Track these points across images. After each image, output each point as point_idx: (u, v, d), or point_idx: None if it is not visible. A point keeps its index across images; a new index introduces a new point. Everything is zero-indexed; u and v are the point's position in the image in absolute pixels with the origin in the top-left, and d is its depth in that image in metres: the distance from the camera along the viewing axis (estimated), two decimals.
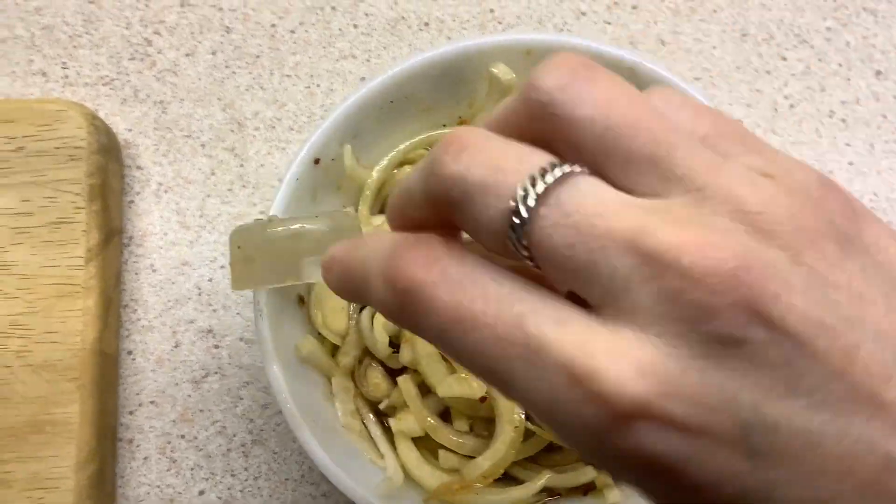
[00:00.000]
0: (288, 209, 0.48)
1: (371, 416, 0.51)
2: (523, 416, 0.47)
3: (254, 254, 0.41)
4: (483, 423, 0.50)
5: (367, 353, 0.51)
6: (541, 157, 0.25)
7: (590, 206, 0.24)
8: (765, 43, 0.64)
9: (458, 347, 0.25)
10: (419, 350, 0.48)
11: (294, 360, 0.48)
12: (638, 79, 0.50)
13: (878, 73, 0.63)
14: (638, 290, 0.23)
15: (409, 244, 0.27)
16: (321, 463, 0.45)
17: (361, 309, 0.51)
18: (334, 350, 0.51)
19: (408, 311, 0.26)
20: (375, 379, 0.51)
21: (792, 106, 0.63)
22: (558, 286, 0.25)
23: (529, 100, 0.26)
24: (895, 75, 0.63)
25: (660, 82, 0.49)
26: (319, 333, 0.51)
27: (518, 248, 0.25)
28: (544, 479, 0.48)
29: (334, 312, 0.50)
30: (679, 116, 0.27)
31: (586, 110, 0.25)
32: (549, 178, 0.24)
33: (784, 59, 0.64)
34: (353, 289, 0.30)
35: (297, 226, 0.42)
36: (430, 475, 0.49)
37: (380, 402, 0.51)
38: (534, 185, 0.24)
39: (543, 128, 0.26)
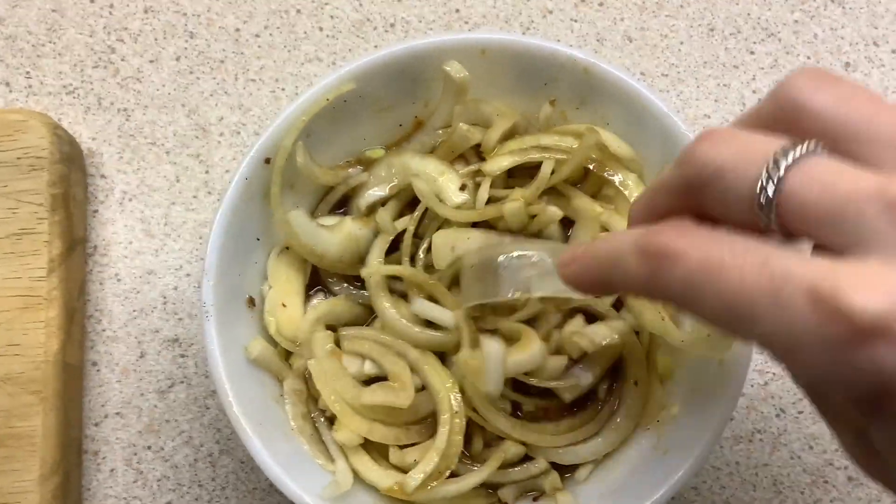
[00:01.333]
0: (237, 209, 0.48)
1: (322, 419, 0.50)
2: (460, 401, 0.48)
3: (484, 273, 0.45)
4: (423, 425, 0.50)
5: None
6: (785, 140, 0.29)
7: (834, 170, 0.27)
8: (732, 37, 0.63)
9: (703, 293, 0.27)
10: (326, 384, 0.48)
11: (244, 363, 0.48)
12: (592, 78, 0.49)
13: (847, 64, 0.63)
14: (883, 230, 0.26)
15: (658, 227, 0.30)
16: (264, 465, 0.45)
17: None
18: (287, 355, 0.51)
19: (658, 272, 0.29)
20: None
21: (760, 100, 0.62)
22: (804, 237, 0.28)
23: (780, 96, 0.30)
24: (864, 67, 0.63)
25: (613, 81, 0.49)
26: (272, 338, 0.50)
27: (768, 208, 0.28)
28: (494, 467, 0.48)
29: (288, 322, 0.50)
30: None
31: (830, 100, 0.29)
32: (797, 151, 0.28)
33: (752, 52, 0.63)
34: (598, 274, 0.33)
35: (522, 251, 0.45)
36: (382, 477, 0.49)
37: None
38: (785, 157, 0.28)
39: (790, 119, 0.30)
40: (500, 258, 0.45)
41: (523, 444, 0.49)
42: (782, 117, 0.30)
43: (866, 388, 0.26)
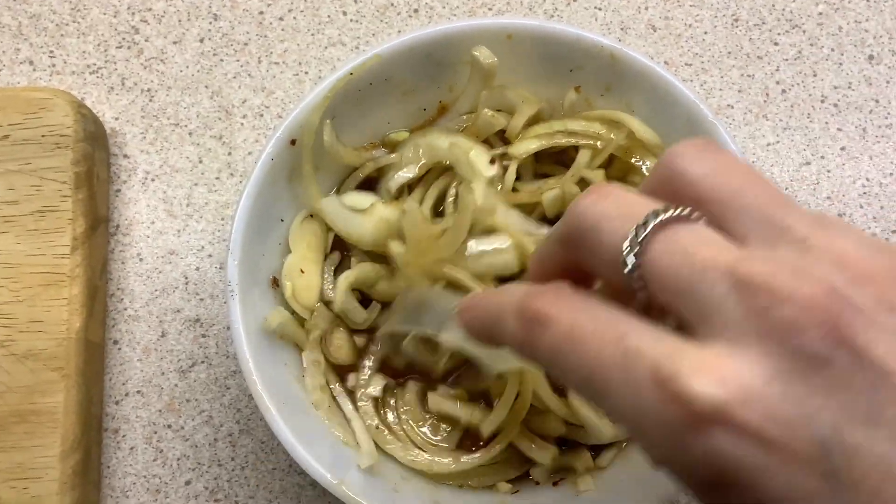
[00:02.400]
0: (262, 190, 0.48)
1: (339, 387, 0.51)
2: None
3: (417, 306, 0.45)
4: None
5: (334, 324, 0.51)
6: (664, 204, 0.28)
7: (699, 240, 0.27)
8: (756, 28, 0.63)
9: (566, 362, 0.28)
10: None
11: (266, 343, 0.48)
12: (618, 65, 0.49)
13: (871, 57, 0.63)
14: (731, 309, 0.25)
15: (540, 288, 0.30)
16: (288, 443, 0.45)
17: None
18: (302, 323, 0.51)
19: (531, 336, 0.29)
20: (339, 341, 0.51)
21: (784, 91, 0.62)
22: (663, 306, 0.28)
23: (663, 163, 0.30)
24: (888, 60, 0.62)
25: (640, 69, 0.49)
26: (290, 308, 0.51)
27: (631, 270, 0.28)
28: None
29: (305, 289, 0.50)
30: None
31: (707, 169, 0.29)
32: (668, 213, 0.28)
33: (776, 44, 0.63)
34: (485, 326, 0.33)
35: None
36: (402, 450, 0.49)
37: (345, 371, 0.51)
38: (655, 218, 0.27)
39: (670, 185, 0.30)
40: (435, 296, 0.45)
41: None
42: (664, 184, 0.30)
43: (703, 475, 0.25)
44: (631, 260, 0.28)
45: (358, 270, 0.50)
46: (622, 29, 0.63)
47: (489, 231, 0.48)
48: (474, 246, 0.47)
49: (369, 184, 0.54)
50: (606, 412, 0.28)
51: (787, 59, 0.63)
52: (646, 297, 0.28)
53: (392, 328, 0.47)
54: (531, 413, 0.49)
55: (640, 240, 0.27)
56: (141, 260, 0.58)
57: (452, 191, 0.52)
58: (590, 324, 0.27)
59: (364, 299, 0.52)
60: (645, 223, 0.28)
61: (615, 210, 0.29)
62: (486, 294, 0.35)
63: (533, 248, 0.47)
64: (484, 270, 0.47)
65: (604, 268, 0.29)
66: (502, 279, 0.48)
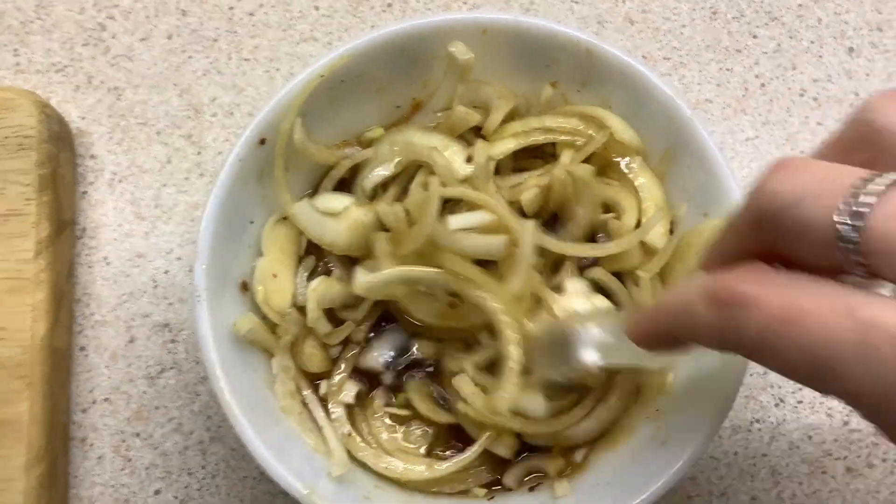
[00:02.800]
0: (231, 192, 0.46)
1: (311, 394, 0.50)
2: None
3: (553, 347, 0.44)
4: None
5: (306, 331, 0.50)
6: (864, 171, 0.26)
7: None
8: (735, 21, 0.62)
9: (781, 344, 0.26)
10: None
11: (235, 348, 0.47)
12: (594, 60, 0.48)
13: (851, 49, 0.62)
14: None
15: (726, 273, 0.28)
16: (256, 452, 0.44)
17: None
18: (274, 328, 0.50)
19: (733, 322, 0.27)
20: (311, 349, 0.50)
21: (763, 85, 0.61)
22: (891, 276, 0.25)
23: (859, 121, 0.28)
24: (868, 52, 0.62)
25: (616, 63, 0.48)
26: (261, 313, 0.49)
27: (848, 245, 0.25)
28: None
29: (277, 293, 0.49)
30: None
31: None
32: (880, 182, 0.25)
33: (755, 37, 0.62)
34: (667, 328, 0.31)
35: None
36: (375, 457, 0.48)
37: (316, 378, 0.50)
38: (867, 188, 0.25)
39: (871, 144, 0.27)
40: (568, 331, 0.43)
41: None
42: (863, 144, 0.28)
43: None
44: (849, 233, 0.25)
45: (325, 285, 0.49)
46: (599, 23, 0.62)
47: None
48: (454, 222, 0.46)
49: (346, 185, 0.52)
50: (837, 394, 0.26)
51: (766, 53, 0.62)
52: (863, 275, 0.26)
53: (547, 376, 0.46)
54: None
55: (857, 210, 0.25)
56: (108, 263, 0.57)
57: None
58: (807, 300, 0.25)
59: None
60: (855, 193, 0.25)
61: (815, 183, 0.26)
62: (659, 300, 0.33)
63: (517, 224, 0.46)
64: (472, 250, 0.46)
65: (810, 248, 0.27)
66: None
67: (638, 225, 0.49)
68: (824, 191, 0.26)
